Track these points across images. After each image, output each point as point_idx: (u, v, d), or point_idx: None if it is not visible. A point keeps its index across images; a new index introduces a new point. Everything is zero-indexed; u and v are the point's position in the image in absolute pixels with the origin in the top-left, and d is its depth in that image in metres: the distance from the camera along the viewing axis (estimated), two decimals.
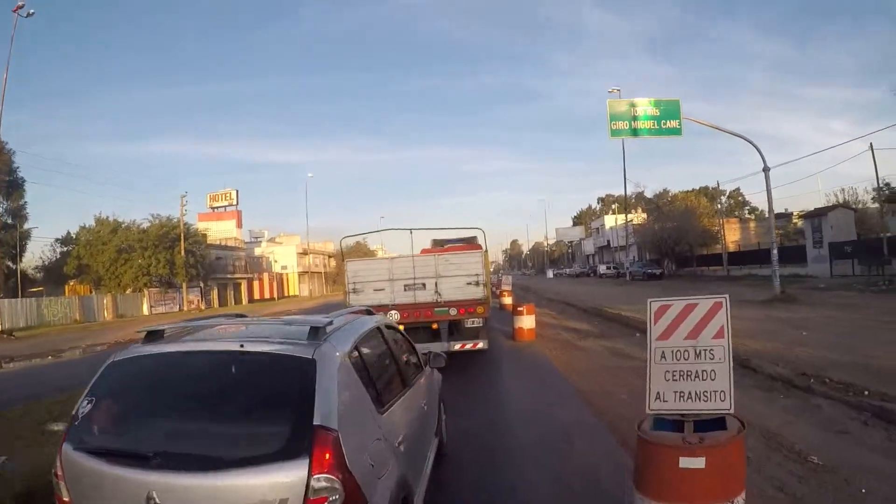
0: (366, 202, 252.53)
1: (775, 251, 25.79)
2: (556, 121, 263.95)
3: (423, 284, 13.56)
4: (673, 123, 26.29)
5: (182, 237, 62.29)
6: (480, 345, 13.71)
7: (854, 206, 50.86)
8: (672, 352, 4.71)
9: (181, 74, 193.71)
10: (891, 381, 9.54)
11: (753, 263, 50.46)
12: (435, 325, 13.70)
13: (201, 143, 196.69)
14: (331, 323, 4.22)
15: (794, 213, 79.12)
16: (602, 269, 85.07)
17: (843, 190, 62.79)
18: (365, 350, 4.56)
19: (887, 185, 38.40)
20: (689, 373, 4.58)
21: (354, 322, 4.96)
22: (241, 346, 3.84)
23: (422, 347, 12.68)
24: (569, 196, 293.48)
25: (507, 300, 31.56)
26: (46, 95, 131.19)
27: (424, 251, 16.59)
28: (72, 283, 59.57)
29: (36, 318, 46.69)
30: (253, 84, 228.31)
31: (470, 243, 18.13)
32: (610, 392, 10.91)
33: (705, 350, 4.61)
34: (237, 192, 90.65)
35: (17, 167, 55.07)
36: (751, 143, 25.64)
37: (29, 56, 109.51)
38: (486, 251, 14.42)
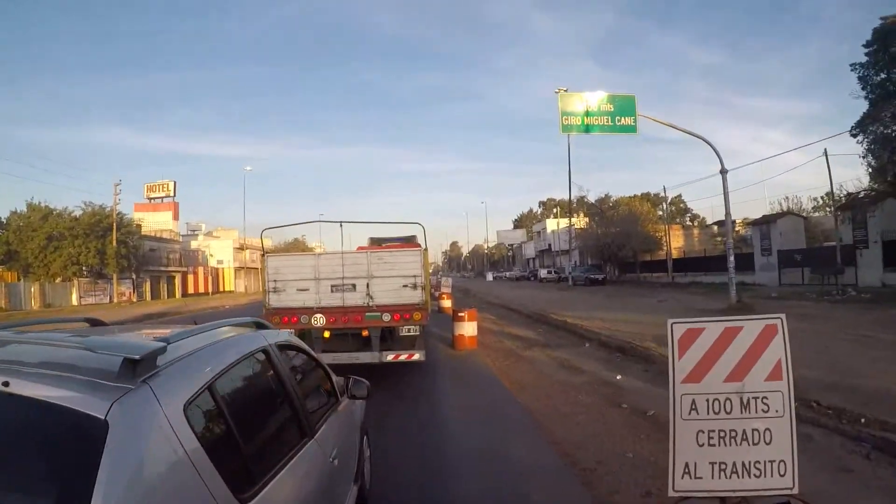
0: (305, 199, 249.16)
1: (732, 258, 24.59)
2: (497, 122, 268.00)
3: (354, 286, 11.90)
4: (628, 120, 25.04)
5: (115, 227, 60.29)
6: (417, 356, 12.04)
7: (803, 214, 50.57)
8: (707, 401, 3.09)
9: (123, 62, 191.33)
10: (887, 405, 8.42)
11: (698, 270, 50.12)
12: (365, 332, 12.07)
13: (140, 133, 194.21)
14: (164, 349, 2.46)
15: (738, 221, 79.66)
16: (543, 273, 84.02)
17: (787, 198, 63.02)
18: (228, 392, 2.87)
19: (847, 193, 37.31)
20: (734, 434, 2.95)
21: (218, 344, 3.15)
22: (6, 383, 2.10)
23: (349, 357, 10.91)
24: (510, 199, 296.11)
25: (447, 303, 30.14)
26: None
27: (360, 249, 14.90)
28: None
29: None
30: (194, 75, 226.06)
31: (410, 243, 16.77)
32: (567, 415, 9.41)
33: (756, 398, 2.99)
34: (175, 183, 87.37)
35: None
36: (707, 143, 24.70)
37: None
38: (426, 250, 12.58)
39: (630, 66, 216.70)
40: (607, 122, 25.10)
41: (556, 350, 16.34)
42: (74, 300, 57.60)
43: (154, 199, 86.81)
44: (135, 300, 64.19)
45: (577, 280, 60.61)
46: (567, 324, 21.44)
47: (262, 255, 12.71)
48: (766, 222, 43.58)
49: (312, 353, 4.86)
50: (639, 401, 10.03)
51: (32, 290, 53.77)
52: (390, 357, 11.89)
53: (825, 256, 37.41)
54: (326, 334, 12.15)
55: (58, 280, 57.98)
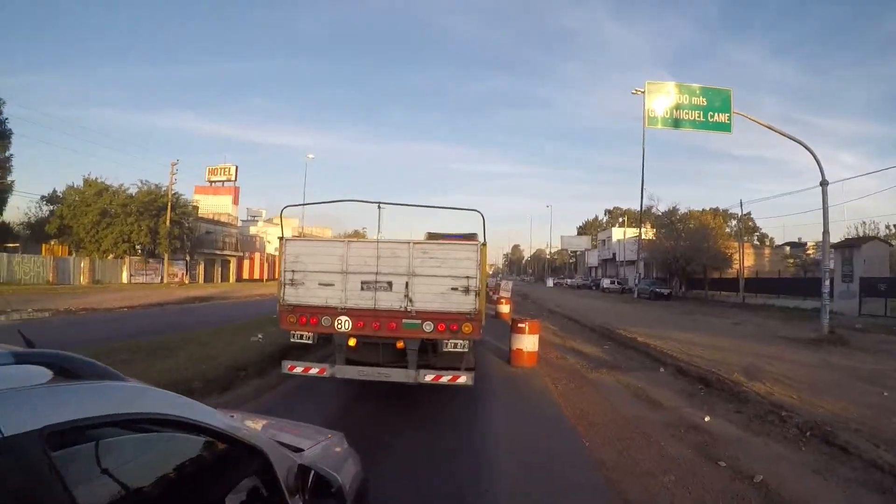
0: (366, 193, 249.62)
1: (827, 282, 21.81)
2: (566, 130, 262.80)
3: (390, 284, 9.74)
4: (722, 117, 22.47)
5: (169, 206, 59.74)
6: (463, 379, 9.60)
7: (890, 242, 47.48)
8: None
9: (189, 49, 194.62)
10: None
11: (770, 292, 47.11)
12: (401, 344, 9.90)
13: (205, 119, 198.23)
14: None
15: (809, 244, 76.36)
16: (606, 282, 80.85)
17: (864, 223, 59.93)
18: None
19: None
20: None
21: None
22: None
23: (378, 373, 9.77)
24: (575, 205, 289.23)
25: (505, 308, 28.27)
26: (55, 55, 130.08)
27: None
28: (52, 243, 56.46)
29: (5, 273, 45.34)
30: (263, 65, 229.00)
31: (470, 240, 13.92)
32: (649, 473, 7.28)
33: None
34: (236, 167, 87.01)
35: (6, 118, 52.21)
36: (808, 149, 22.03)
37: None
38: (485, 245, 9.99)
39: (703, 79, 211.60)
40: (699, 117, 22.57)
41: (626, 374, 14.20)
42: (125, 278, 57.39)
43: (215, 182, 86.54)
44: (187, 282, 63.56)
45: (642, 293, 57.98)
46: (637, 342, 19.20)
47: (281, 239, 10.60)
48: (848, 246, 40.48)
49: (210, 424, 2.46)
50: (739, 456, 7.95)
51: (82, 265, 53.50)
52: (429, 378, 9.58)
53: None
54: (352, 342, 10.05)
55: (110, 257, 57.62)
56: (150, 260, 61.55)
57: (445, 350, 10.03)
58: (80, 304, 29.04)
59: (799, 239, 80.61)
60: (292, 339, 10.39)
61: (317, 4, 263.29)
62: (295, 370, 9.97)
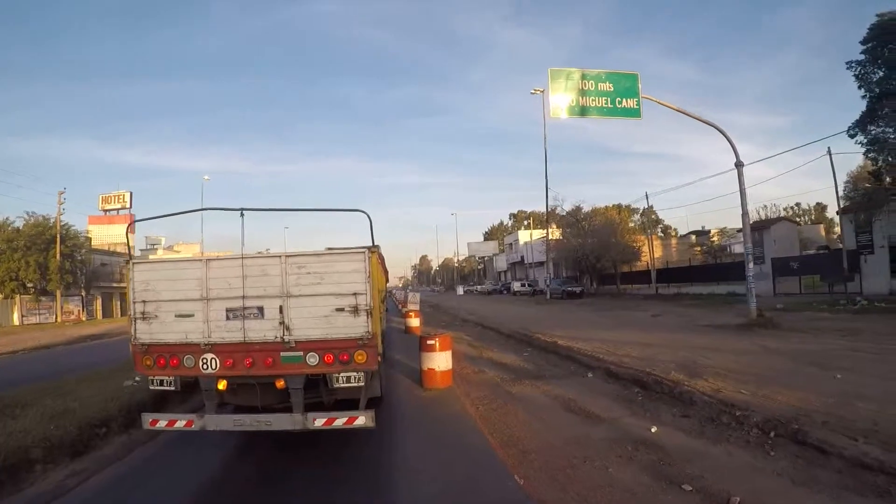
0: (270, 215, 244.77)
1: (751, 264, 20.84)
2: (467, 136, 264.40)
3: (260, 309, 7.91)
4: (630, 102, 21.45)
5: (58, 239, 56.31)
6: (361, 420, 7.68)
7: (796, 220, 48.11)
8: None
9: (79, 72, 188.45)
10: None
11: (682, 281, 47.03)
12: (281, 383, 8.05)
13: (97, 146, 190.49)
14: None
15: (713, 231, 77.72)
16: (517, 286, 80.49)
17: (765, 206, 60.80)
18: None
19: (847, 195, 35.15)
20: None
21: None
22: None
23: (257, 422, 7.85)
24: (480, 212, 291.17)
25: (415, 322, 26.67)
26: None
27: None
28: None
29: None
30: (153, 87, 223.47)
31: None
32: None
33: None
34: (131, 194, 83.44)
35: None
36: (720, 131, 21.31)
37: None
38: (375, 251, 8.41)
39: None
40: (606, 103, 21.48)
41: (552, 383, 12.72)
42: (16, 319, 54.46)
43: (109, 211, 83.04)
44: (84, 318, 60.56)
45: (554, 293, 57.25)
46: (558, 346, 17.78)
47: (128, 262, 8.63)
48: (758, 228, 40.59)
49: None
50: (703, 475, 6.59)
51: None
52: (320, 422, 7.66)
53: (824, 263, 35.21)
54: (222, 385, 8.17)
55: None
56: (43, 298, 58.40)
57: (337, 387, 8.24)
58: None
59: (702, 227, 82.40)
60: (151, 387, 8.47)
61: (212, 22, 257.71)
62: (158, 424, 8.01)
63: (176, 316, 8.04)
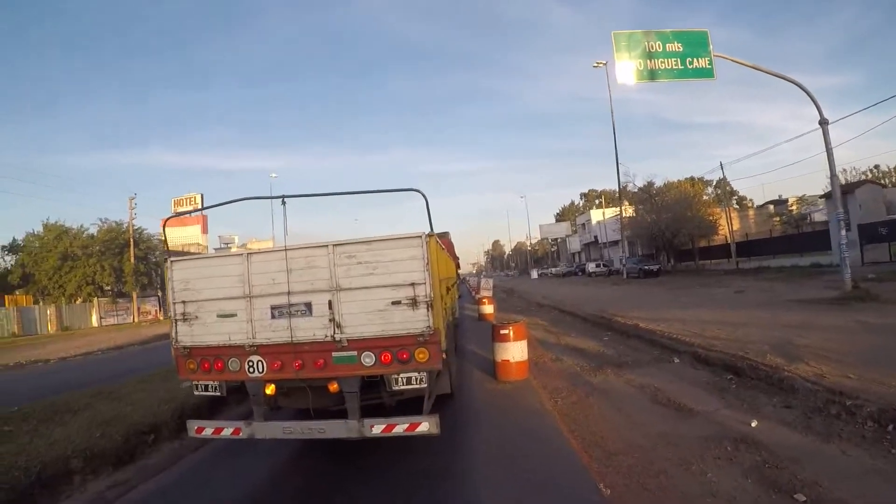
0: (335, 207, 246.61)
1: (844, 231, 19.54)
2: (532, 119, 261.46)
3: (308, 306, 7.25)
4: (702, 62, 20.30)
5: (131, 242, 58.44)
6: (424, 427, 6.91)
7: (881, 183, 45.79)
8: None
9: (144, 82, 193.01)
10: None
11: (763, 254, 45.22)
12: (334, 386, 7.38)
13: (167, 152, 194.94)
14: None
15: (790, 200, 74.78)
16: (591, 266, 78.48)
17: (844, 171, 58.13)
18: None
19: None
20: None
21: None
22: None
23: (308, 430, 7.19)
24: (549, 193, 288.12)
25: (488, 308, 25.85)
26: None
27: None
28: (16, 294, 55.60)
29: None
30: (217, 92, 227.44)
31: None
32: None
33: None
34: (202, 196, 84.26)
35: None
36: (802, 87, 20.02)
37: None
38: (433, 236, 7.46)
39: None
40: (676, 65, 20.37)
41: (636, 371, 11.88)
42: (94, 321, 55.70)
43: (182, 213, 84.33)
44: (161, 318, 61.00)
45: (630, 272, 55.68)
46: (639, 329, 16.79)
47: (166, 260, 8.11)
48: (841, 193, 38.57)
49: None
50: (817, 480, 5.72)
51: (48, 313, 51.75)
52: (378, 430, 6.94)
53: None
54: (271, 389, 7.58)
55: (78, 301, 56.19)
56: (120, 300, 60.27)
57: (396, 389, 7.42)
58: (33, 356, 27.31)
59: (779, 196, 79.25)
60: (195, 392, 7.90)
61: (268, 27, 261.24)
62: (204, 432, 7.50)
63: (218, 316, 7.51)
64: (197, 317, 7.57)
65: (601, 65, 50.96)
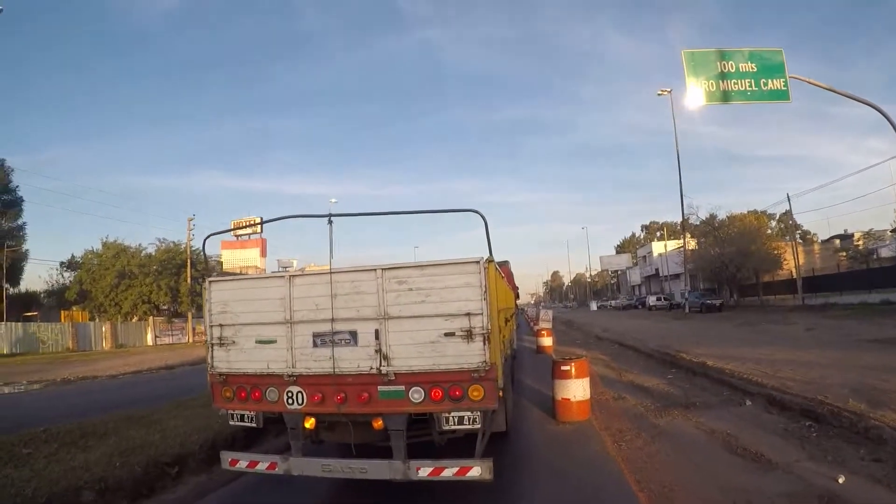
0: (393, 235, 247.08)
1: None
2: (592, 151, 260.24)
3: (353, 334, 6.74)
4: (777, 83, 19.31)
5: (188, 262, 59.03)
6: (476, 472, 6.22)
7: None
8: None
9: (204, 110, 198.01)
10: None
11: (830, 290, 43.79)
12: (379, 423, 6.79)
13: (228, 176, 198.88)
14: None
15: (857, 234, 72.82)
16: (652, 300, 77.35)
17: None
18: None
19: None
20: None
21: None
22: None
23: (349, 469, 6.67)
24: (610, 226, 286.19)
25: (547, 341, 25.26)
26: (76, 127, 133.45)
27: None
28: (73, 310, 56.63)
29: (23, 343, 45.25)
30: (275, 118, 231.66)
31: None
32: None
33: None
34: (261, 219, 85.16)
35: (17, 186, 56.77)
36: (880, 111, 19.20)
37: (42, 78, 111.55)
38: (492, 261, 6.91)
39: None
40: (750, 86, 19.42)
41: (705, 414, 11.12)
42: (149, 340, 56.31)
43: (241, 236, 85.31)
44: None
45: (692, 306, 54.49)
46: (707, 367, 15.96)
47: (203, 280, 7.82)
48: None
49: None
50: None
51: (104, 329, 52.48)
52: (425, 473, 6.33)
53: None
54: (310, 423, 7.02)
55: (134, 319, 57.09)
56: (176, 319, 60.96)
57: (446, 428, 6.79)
58: (83, 372, 27.45)
59: (845, 231, 77.28)
60: (231, 422, 7.48)
61: (330, 52, 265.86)
62: (238, 465, 7.08)
63: (256, 342, 7.11)
64: (234, 342, 7.22)
65: (666, 93, 50.50)
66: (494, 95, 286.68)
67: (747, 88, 19.34)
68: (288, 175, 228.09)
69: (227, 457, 7.23)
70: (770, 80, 19.21)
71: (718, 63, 19.33)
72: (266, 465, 6.90)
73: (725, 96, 19.47)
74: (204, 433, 10.01)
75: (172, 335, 58.80)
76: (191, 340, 57.94)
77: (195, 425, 10.64)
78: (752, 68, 19.27)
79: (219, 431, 10.01)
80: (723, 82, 19.28)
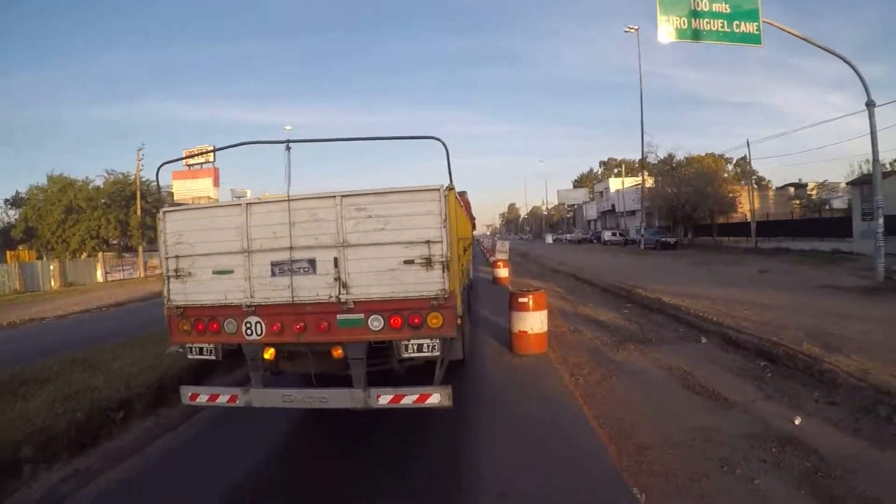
0: (351, 164, 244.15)
1: (881, 220, 18.74)
2: (554, 84, 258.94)
3: (312, 262, 6.63)
4: (750, 27, 19.08)
5: (138, 194, 56.39)
6: (436, 398, 6.36)
7: None
8: None
9: (159, 32, 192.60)
10: None
11: (783, 235, 44.33)
12: (338, 351, 6.72)
13: (179, 106, 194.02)
14: None
15: (811, 184, 73.94)
16: (607, 235, 77.72)
17: (867, 161, 57.09)
18: None
19: None
20: None
21: None
22: None
23: (310, 398, 6.67)
24: (569, 160, 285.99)
25: (503, 272, 25.29)
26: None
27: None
28: (19, 249, 54.49)
29: None
30: (230, 45, 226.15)
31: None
32: None
33: None
34: (214, 148, 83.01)
35: None
36: (851, 65, 18.98)
37: None
38: (453, 190, 6.89)
39: None
40: (723, 26, 19.17)
41: (662, 349, 11.17)
42: (99, 276, 53.93)
43: (193, 165, 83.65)
44: None
45: (647, 243, 55.10)
46: (663, 303, 16.07)
47: (157, 211, 7.55)
48: (867, 183, 37.57)
49: None
50: (880, 497, 5.03)
51: (52, 268, 50.06)
52: (385, 400, 6.40)
53: None
54: (269, 354, 6.91)
55: (83, 256, 55.03)
56: (126, 254, 59.09)
57: (405, 356, 6.84)
58: (30, 314, 26.40)
59: (799, 180, 78.45)
60: (189, 356, 7.26)
61: None
62: (199, 399, 6.94)
63: (213, 273, 6.90)
64: (191, 273, 6.99)
65: (633, 30, 50.13)
66: (459, 24, 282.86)
67: (719, 28, 19.05)
68: (242, 104, 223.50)
69: (186, 392, 7.10)
70: (743, 23, 18.93)
71: (692, 0, 18.92)
72: (227, 397, 6.83)
73: (696, 34, 19.15)
74: (151, 374, 9.63)
75: (123, 270, 56.82)
76: (142, 275, 56.25)
77: (143, 365, 10.24)
78: (726, 9, 18.91)
79: (165, 371, 9.70)
80: (695, 20, 18.92)
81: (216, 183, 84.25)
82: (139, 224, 55.66)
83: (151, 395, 8.99)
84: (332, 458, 6.70)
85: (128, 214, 56.28)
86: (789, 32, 19.49)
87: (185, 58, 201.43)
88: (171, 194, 67.15)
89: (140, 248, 57.86)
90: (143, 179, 57.91)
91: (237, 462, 6.78)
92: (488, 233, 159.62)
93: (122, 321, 20.89)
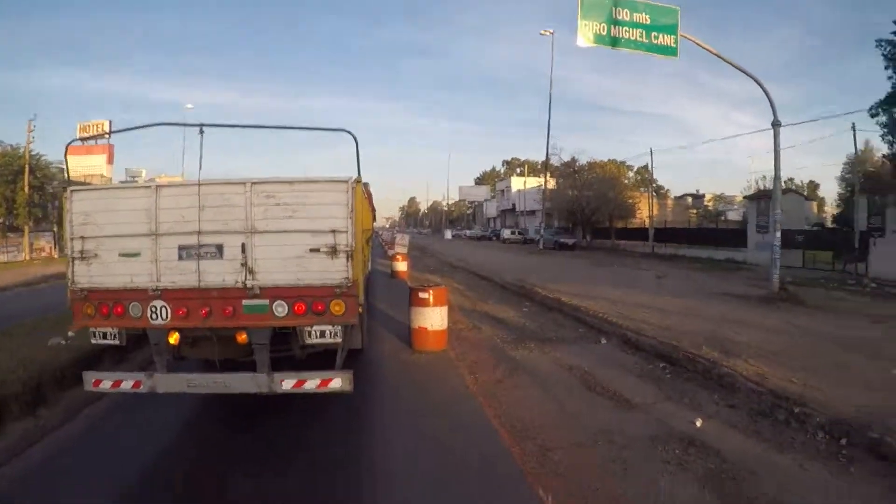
0: (253, 149, 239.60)
1: (778, 233, 19.17)
2: (463, 81, 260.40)
3: (219, 248, 6.51)
4: (667, 39, 19.20)
5: (27, 170, 52.39)
6: (337, 383, 6.52)
7: (804, 194, 47.25)
8: None
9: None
10: None
11: (679, 242, 45.64)
12: (243, 337, 6.71)
13: (75, 74, 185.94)
14: None
15: (708, 196, 76.74)
16: (506, 233, 78.51)
17: (763, 177, 59.69)
18: None
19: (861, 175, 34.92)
20: None
21: None
22: None
23: (213, 383, 6.65)
24: (473, 157, 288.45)
25: (402, 266, 25.15)
26: None
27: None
28: None
29: None
30: (138, 19, 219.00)
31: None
32: None
33: None
34: (110, 123, 79.14)
35: None
36: (760, 85, 19.32)
37: None
38: (360, 182, 6.92)
39: None
40: (641, 36, 19.16)
41: (561, 349, 11.15)
42: None
43: (88, 140, 79.93)
44: (56, 255, 55.18)
45: (546, 243, 55.63)
46: (562, 303, 16.18)
47: (65, 189, 7.05)
48: (764, 197, 39.14)
49: None
50: (780, 497, 5.10)
51: None
52: (288, 385, 6.46)
53: (832, 240, 33.91)
54: (174, 338, 6.79)
55: None
56: (11, 234, 54.53)
57: (309, 342, 6.89)
58: None
59: (697, 191, 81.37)
60: (93, 340, 7.00)
61: None
62: (102, 385, 6.69)
63: (119, 255, 6.61)
64: (97, 255, 6.67)
65: (548, 33, 50.78)
66: (372, 13, 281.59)
67: (638, 38, 19.06)
68: (140, 78, 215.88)
69: (90, 377, 6.81)
70: (662, 35, 19.08)
71: (613, 9, 18.91)
72: (131, 383, 6.63)
73: (615, 41, 19.13)
74: (28, 368, 8.62)
75: (7, 252, 52.53)
76: (28, 258, 52.79)
77: (19, 357, 9.20)
78: (646, 20, 19.00)
79: (45, 364, 8.83)
80: (614, 28, 18.89)
81: (110, 160, 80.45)
82: (26, 202, 51.84)
83: (29, 393, 8.00)
84: (230, 442, 6.62)
85: (14, 190, 51.83)
86: (706, 49, 19.76)
87: (78, 24, 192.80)
88: (61, 170, 63.59)
89: (26, 229, 54.08)
90: (33, 153, 54.33)
91: (127, 461, 6.25)
92: (387, 226, 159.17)
93: (3, 308, 19.04)
